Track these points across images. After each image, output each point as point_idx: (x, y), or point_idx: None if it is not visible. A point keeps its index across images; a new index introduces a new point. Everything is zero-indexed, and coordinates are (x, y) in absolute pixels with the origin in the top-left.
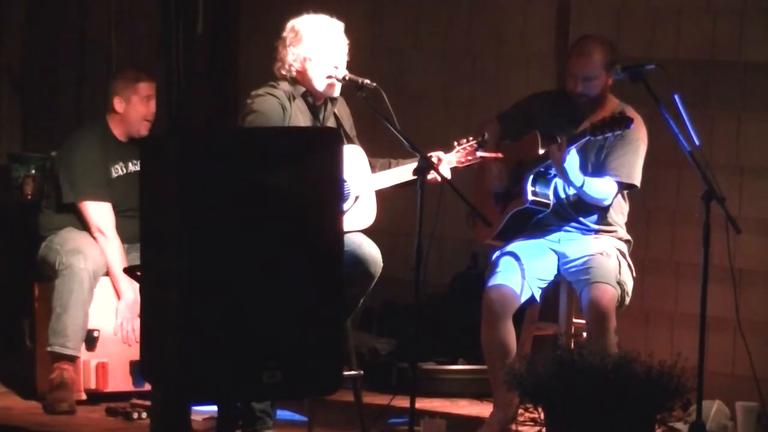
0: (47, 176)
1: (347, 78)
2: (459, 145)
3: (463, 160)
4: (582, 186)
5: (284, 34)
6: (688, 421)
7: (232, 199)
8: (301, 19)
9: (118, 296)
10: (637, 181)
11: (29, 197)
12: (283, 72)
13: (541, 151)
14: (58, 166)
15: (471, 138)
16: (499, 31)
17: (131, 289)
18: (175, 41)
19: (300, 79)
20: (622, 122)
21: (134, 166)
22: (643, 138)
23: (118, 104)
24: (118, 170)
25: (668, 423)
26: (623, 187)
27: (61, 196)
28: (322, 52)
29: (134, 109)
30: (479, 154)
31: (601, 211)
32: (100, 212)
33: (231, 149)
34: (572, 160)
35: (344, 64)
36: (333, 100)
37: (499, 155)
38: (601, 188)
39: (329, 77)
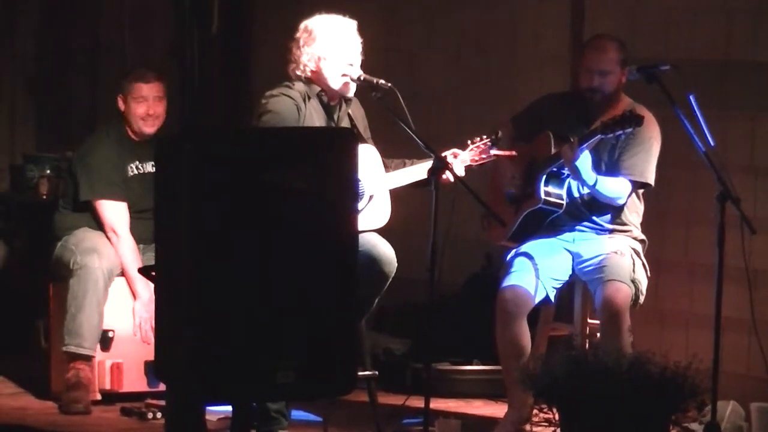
0: (65, 175)
1: (362, 78)
2: (473, 143)
3: (476, 158)
4: (595, 185)
5: (297, 34)
6: (703, 422)
7: (246, 199)
8: (314, 19)
9: (134, 296)
10: (651, 179)
11: (44, 197)
12: (298, 72)
13: (554, 151)
14: (75, 165)
15: (485, 136)
16: (513, 32)
17: (147, 289)
18: (190, 42)
19: (315, 79)
20: (633, 120)
21: (152, 167)
22: (656, 137)
23: (120, 103)
24: (133, 169)
25: (683, 423)
26: (637, 186)
27: (76, 193)
28: (336, 50)
29: (130, 109)
30: (493, 152)
31: (615, 211)
32: (114, 212)
33: (245, 149)
34: (584, 159)
35: (359, 63)
36: (348, 101)
37: (513, 153)
38: (614, 187)
39: (344, 75)
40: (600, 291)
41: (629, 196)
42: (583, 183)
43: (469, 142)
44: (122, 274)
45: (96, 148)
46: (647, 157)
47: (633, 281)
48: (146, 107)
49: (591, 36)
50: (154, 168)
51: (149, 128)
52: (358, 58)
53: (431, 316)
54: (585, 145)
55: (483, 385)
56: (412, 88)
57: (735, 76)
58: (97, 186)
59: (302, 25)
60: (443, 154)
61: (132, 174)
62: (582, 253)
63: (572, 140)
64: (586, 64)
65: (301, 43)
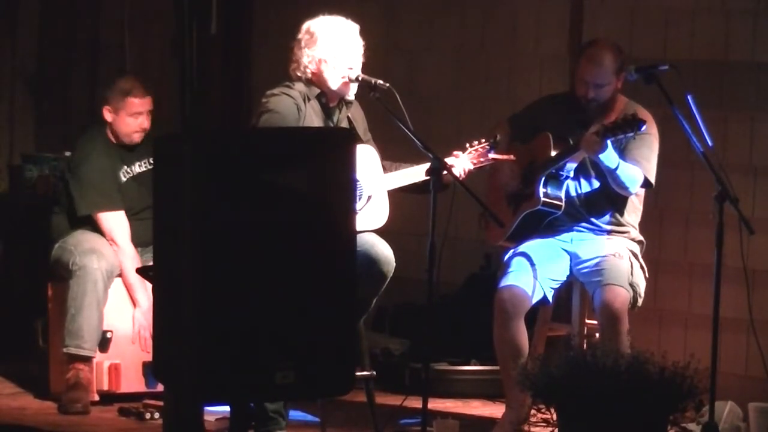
0: (59, 180)
1: (360, 78)
2: (471, 146)
3: (475, 161)
4: (617, 168)
5: (299, 35)
6: (701, 422)
7: (245, 199)
8: (316, 21)
9: (134, 304)
10: (653, 177)
11: (42, 197)
12: (298, 73)
13: (553, 153)
14: (68, 177)
15: (483, 140)
16: (512, 32)
17: (146, 297)
18: (189, 42)
19: (315, 81)
20: (635, 124)
21: (139, 168)
22: (655, 134)
23: (107, 114)
24: (125, 174)
25: (681, 424)
26: (643, 182)
27: (72, 203)
28: (336, 53)
29: (122, 122)
30: (491, 155)
31: (613, 212)
32: (113, 222)
33: (244, 150)
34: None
35: (359, 66)
36: (348, 103)
37: (511, 157)
38: (632, 173)
39: (343, 77)
40: (599, 295)
41: (638, 186)
42: (605, 167)
43: (467, 145)
44: (121, 275)
45: (86, 160)
46: (650, 154)
47: (631, 284)
48: (140, 123)
49: (588, 41)
50: (141, 167)
51: (138, 138)
52: (359, 61)
53: (430, 316)
54: (611, 138)
55: (481, 386)
56: (412, 89)
57: (734, 76)
58: (93, 199)
59: (304, 26)
60: (445, 159)
61: (125, 179)
62: (580, 254)
63: (592, 131)
64: (581, 74)
65: (303, 44)
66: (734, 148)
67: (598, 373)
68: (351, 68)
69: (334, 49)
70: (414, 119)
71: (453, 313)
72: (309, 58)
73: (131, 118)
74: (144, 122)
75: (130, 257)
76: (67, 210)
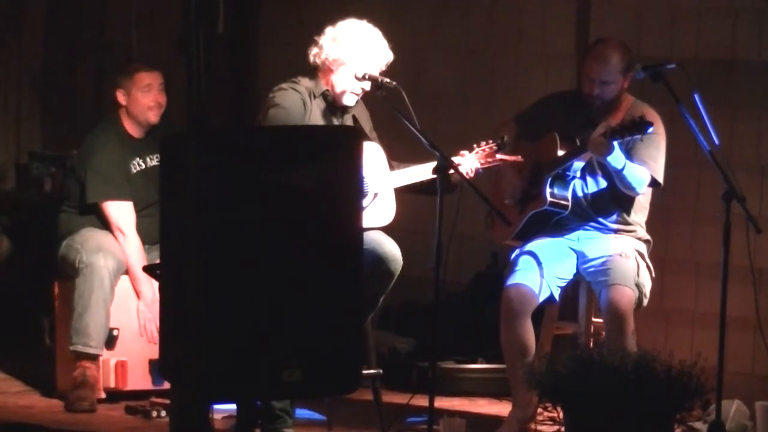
0: (68, 177)
1: (366, 76)
2: (479, 147)
3: (482, 161)
4: (623, 169)
5: (332, 28)
6: (708, 421)
7: (251, 197)
8: (350, 24)
9: (138, 296)
10: (661, 177)
11: (49, 196)
12: (318, 60)
13: (560, 153)
14: (79, 168)
15: (491, 141)
16: (519, 31)
17: (150, 289)
18: (196, 40)
19: (323, 77)
20: (642, 126)
21: (152, 161)
22: (662, 134)
23: (121, 97)
24: (136, 166)
25: (688, 422)
26: (650, 182)
27: (82, 196)
28: (355, 61)
29: (135, 101)
30: (499, 156)
31: (620, 211)
32: (120, 211)
33: (250, 148)
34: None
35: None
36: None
37: (519, 158)
38: (639, 173)
39: (350, 89)
40: (605, 294)
41: (646, 186)
42: (612, 168)
43: (474, 145)
44: (126, 272)
45: (98, 149)
46: (657, 155)
47: (637, 285)
48: (153, 96)
49: (596, 39)
50: (152, 161)
51: (155, 117)
52: (375, 72)
53: (436, 314)
54: (620, 141)
55: (488, 384)
56: (418, 88)
57: (741, 75)
58: (103, 187)
59: (339, 24)
60: (451, 158)
61: (135, 171)
62: (587, 253)
63: (599, 133)
64: (587, 71)
65: (332, 38)
66: (741, 146)
67: (605, 372)
68: (364, 77)
69: (354, 56)
70: (419, 118)
71: (459, 312)
72: (332, 52)
73: (143, 93)
74: (158, 96)
75: (135, 247)
76: (78, 203)
